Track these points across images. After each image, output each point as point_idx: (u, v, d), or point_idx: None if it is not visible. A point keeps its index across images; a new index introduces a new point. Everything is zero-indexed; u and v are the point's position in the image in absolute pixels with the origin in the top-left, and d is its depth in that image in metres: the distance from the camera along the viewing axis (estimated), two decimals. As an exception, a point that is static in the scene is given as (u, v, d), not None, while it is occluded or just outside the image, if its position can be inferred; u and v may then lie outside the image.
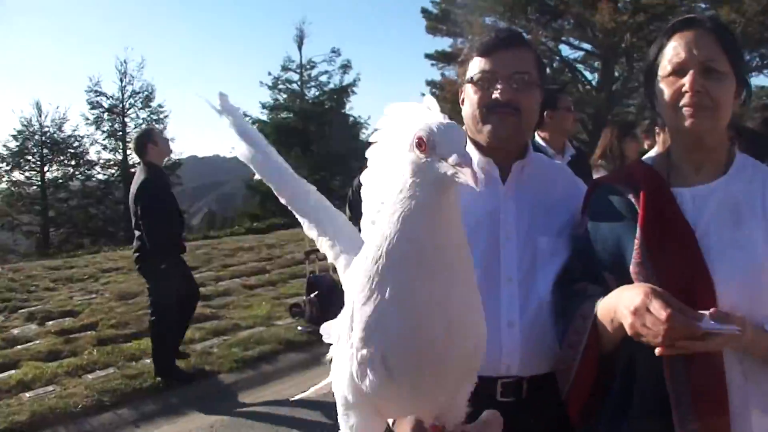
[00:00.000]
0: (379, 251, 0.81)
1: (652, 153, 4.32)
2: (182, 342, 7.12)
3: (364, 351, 0.84)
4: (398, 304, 0.79)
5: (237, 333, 8.20)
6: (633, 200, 1.80)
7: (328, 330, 1.15)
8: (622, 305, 1.58)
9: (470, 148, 2.05)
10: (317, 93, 34.43)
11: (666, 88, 1.76)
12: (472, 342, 0.86)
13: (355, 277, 0.86)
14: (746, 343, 1.57)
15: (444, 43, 28.14)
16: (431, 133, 0.79)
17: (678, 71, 1.73)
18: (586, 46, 26.78)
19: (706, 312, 1.49)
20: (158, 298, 6.53)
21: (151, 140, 6.51)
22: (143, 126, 33.75)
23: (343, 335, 0.91)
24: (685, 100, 1.71)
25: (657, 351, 1.50)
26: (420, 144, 0.80)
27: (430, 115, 0.92)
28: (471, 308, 0.86)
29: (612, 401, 1.79)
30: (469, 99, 2.05)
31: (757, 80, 25.58)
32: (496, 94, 1.97)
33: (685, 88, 1.70)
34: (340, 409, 0.98)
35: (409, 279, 0.79)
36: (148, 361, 7.00)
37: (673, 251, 1.70)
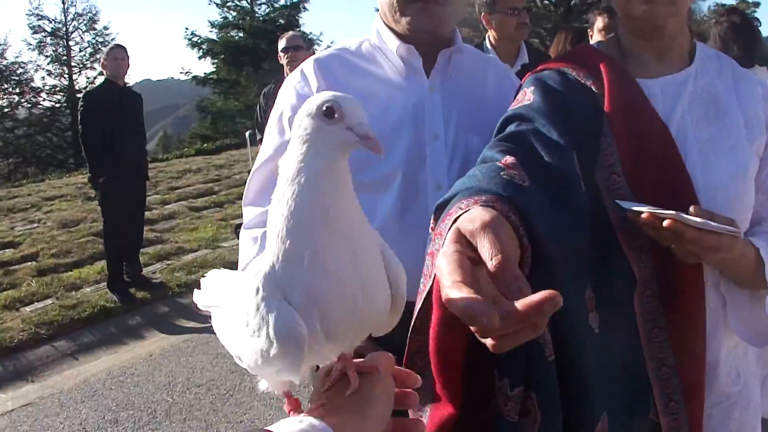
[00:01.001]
0: (286, 221, 0.83)
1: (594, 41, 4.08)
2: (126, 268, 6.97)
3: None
4: (319, 273, 0.81)
5: (181, 257, 8.05)
6: (594, 88, 1.47)
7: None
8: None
9: (388, 35, 1.83)
10: (268, 10, 33.44)
11: None
12: (382, 301, 0.88)
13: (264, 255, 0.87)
14: (734, 258, 1.35)
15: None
16: (339, 104, 0.83)
17: None
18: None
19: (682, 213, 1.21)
20: (104, 212, 6.87)
21: (105, 59, 6.84)
22: (88, 49, 33.41)
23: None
24: None
25: (490, 345, 0.78)
26: (329, 112, 0.83)
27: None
28: (377, 269, 0.87)
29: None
30: None
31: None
32: None
33: None
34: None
35: (322, 245, 0.81)
36: (88, 289, 6.90)
37: (648, 150, 1.41)
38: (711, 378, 1.46)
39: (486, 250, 0.83)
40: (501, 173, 1.15)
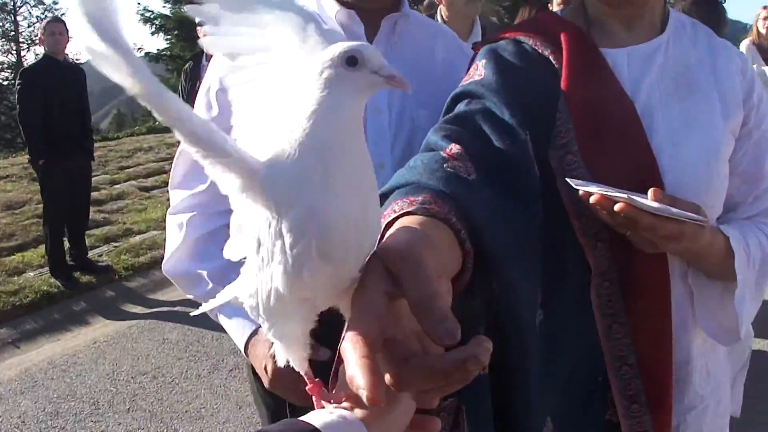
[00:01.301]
0: (299, 145, 0.83)
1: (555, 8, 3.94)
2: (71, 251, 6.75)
3: (299, 248, 0.82)
4: (329, 193, 0.81)
5: (128, 238, 7.81)
6: (552, 59, 1.32)
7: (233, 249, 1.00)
8: None
9: (327, 0, 1.68)
10: (222, -16, 33.11)
11: None
12: (378, 222, 0.88)
13: (273, 184, 0.85)
14: (700, 248, 1.22)
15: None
16: (361, 52, 0.84)
17: None
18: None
19: (637, 196, 1.08)
20: (43, 194, 6.60)
21: (42, 33, 6.59)
22: (37, 25, 32.82)
23: (265, 244, 0.87)
24: None
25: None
26: (352, 61, 0.83)
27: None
28: (375, 190, 0.87)
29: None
30: None
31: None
32: None
33: None
34: (268, 319, 0.92)
35: (334, 167, 0.82)
36: (31, 274, 6.65)
37: (608, 128, 1.26)
38: (683, 377, 1.33)
39: (408, 285, 0.70)
40: (444, 165, 1.02)
